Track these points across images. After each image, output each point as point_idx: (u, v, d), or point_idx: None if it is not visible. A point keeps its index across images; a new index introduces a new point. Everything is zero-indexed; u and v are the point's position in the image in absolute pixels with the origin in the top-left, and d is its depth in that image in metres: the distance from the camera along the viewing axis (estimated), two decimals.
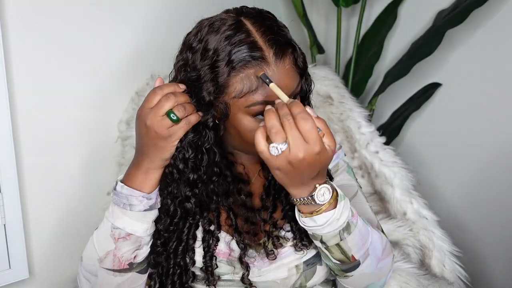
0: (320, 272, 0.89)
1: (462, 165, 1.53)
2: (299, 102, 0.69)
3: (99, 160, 1.34)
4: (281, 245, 0.86)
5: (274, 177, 0.71)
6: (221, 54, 0.73)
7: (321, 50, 1.68)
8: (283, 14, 1.73)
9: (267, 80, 0.72)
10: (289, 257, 0.87)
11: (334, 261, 0.79)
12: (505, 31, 1.37)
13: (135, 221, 0.79)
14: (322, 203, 0.72)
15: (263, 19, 0.76)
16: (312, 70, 1.41)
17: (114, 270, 0.80)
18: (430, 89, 1.54)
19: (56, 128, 1.24)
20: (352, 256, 0.78)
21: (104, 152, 1.34)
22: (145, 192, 0.78)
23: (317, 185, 0.71)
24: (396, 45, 1.63)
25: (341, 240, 0.76)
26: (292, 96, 0.76)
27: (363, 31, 1.63)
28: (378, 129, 1.45)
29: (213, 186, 0.83)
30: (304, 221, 0.75)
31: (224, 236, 0.87)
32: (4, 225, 1.18)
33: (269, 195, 0.88)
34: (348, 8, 1.67)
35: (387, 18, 1.60)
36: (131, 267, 0.80)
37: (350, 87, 1.59)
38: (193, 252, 0.85)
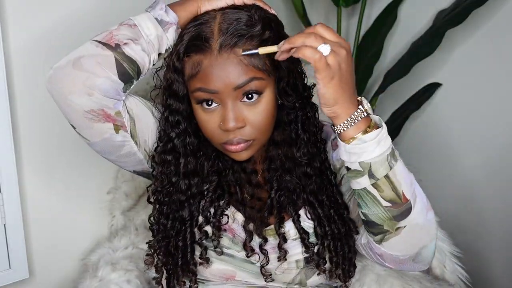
0: (318, 277, 0.90)
1: (462, 165, 1.53)
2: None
3: (99, 160, 1.33)
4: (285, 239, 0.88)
5: (328, 95, 0.70)
6: (184, 38, 0.80)
7: None
8: (283, 14, 1.73)
9: (252, 50, 0.75)
10: (292, 250, 0.89)
11: (385, 203, 0.75)
12: (505, 31, 1.37)
13: (148, 20, 0.80)
14: (371, 111, 0.74)
15: (236, 12, 0.80)
16: (312, 69, 1.40)
17: (100, 42, 0.79)
18: (430, 89, 1.54)
19: (56, 128, 1.24)
20: (403, 194, 0.74)
21: None
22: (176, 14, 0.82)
23: (358, 98, 0.74)
24: (396, 45, 1.63)
25: (390, 169, 0.73)
26: (238, 88, 0.77)
27: (363, 31, 1.63)
28: None
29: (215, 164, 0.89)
30: (353, 144, 0.72)
31: (229, 209, 0.90)
32: (4, 225, 1.18)
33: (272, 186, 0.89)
34: (348, 8, 1.67)
35: (387, 18, 1.60)
36: (116, 48, 0.78)
37: None
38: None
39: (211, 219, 0.89)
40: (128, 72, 0.79)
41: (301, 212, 0.90)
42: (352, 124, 0.72)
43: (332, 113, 0.72)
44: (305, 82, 0.88)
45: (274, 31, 0.81)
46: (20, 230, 1.20)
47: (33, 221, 1.24)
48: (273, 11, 0.85)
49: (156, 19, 0.80)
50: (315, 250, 0.89)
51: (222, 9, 0.81)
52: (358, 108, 0.72)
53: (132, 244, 1.24)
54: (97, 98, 0.78)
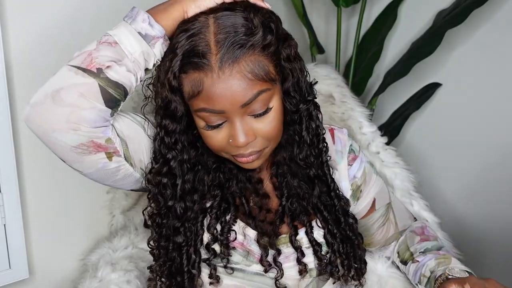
0: (330, 285, 0.89)
1: (463, 165, 1.53)
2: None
3: None
4: (299, 247, 0.85)
5: None
6: (177, 53, 0.72)
7: (321, 50, 1.68)
8: (283, 14, 1.73)
9: None
10: (305, 259, 0.85)
11: None
12: (505, 31, 1.37)
13: (130, 34, 0.72)
14: None
15: (230, 17, 0.72)
16: (313, 69, 1.40)
17: (79, 67, 0.70)
18: (430, 89, 1.54)
19: None
20: None
21: None
22: (157, 21, 0.74)
23: None
24: (396, 45, 1.63)
25: None
26: (245, 105, 0.71)
27: (363, 31, 1.63)
28: (378, 129, 1.45)
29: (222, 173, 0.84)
30: None
31: (237, 224, 0.85)
32: (4, 225, 1.18)
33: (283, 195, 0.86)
34: (348, 8, 1.67)
35: (387, 18, 1.60)
36: (98, 72, 0.70)
37: (350, 87, 1.59)
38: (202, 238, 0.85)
39: (219, 236, 0.83)
40: (114, 97, 0.71)
41: (313, 221, 0.87)
42: None
43: None
44: (308, 80, 0.83)
45: (274, 32, 0.74)
46: (20, 230, 1.20)
47: (33, 221, 1.24)
48: (267, 5, 0.78)
49: (140, 33, 0.72)
50: (327, 259, 0.86)
51: (212, 10, 0.73)
52: None
53: (132, 244, 1.24)
54: (85, 131, 0.70)
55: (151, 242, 0.85)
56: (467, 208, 1.54)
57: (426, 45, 1.43)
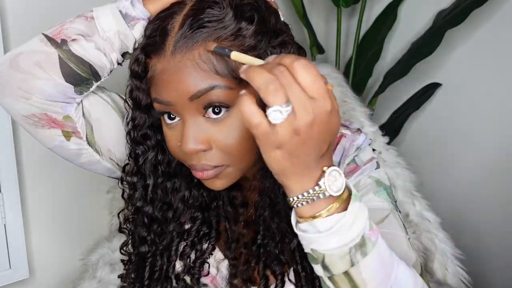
0: None
1: (463, 165, 1.53)
2: (288, 54, 0.53)
3: None
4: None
5: (269, 164, 0.51)
6: (145, 35, 0.65)
7: (321, 50, 1.68)
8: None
9: (226, 50, 0.56)
10: None
11: None
12: (505, 31, 1.37)
13: (110, 12, 0.65)
14: (336, 193, 0.52)
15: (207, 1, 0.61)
16: None
17: (46, 36, 0.65)
18: (430, 89, 1.54)
19: None
20: None
21: None
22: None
23: (325, 168, 0.52)
24: (396, 45, 1.63)
25: (352, 265, 0.52)
26: (194, 98, 0.59)
27: (363, 31, 1.63)
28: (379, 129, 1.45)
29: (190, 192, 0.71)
30: (302, 228, 0.54)
31: (213, 256, 0.73)
32: (4, 225, 1.18)
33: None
34: (348, 8, 1.67)
35: (387, 18, 1.60)
36: (61, 44, 0.64)
37: (350, 87, 1.59)
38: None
39: (191, 268, 0.72)
40: (77, 74, 0.64)
41: (286, 274, 0.70)
42: (307, 202, 0.52)
43: (280, 182, 0.53)
44: None
45: (256, 23, 0.60)
46: (20, 230, 1.20)
47: (33, 221, 1.24)
48: None
49: (121, 12, 0.65)
50: None
51: None
52: (317, 185, 0.51)
53: None
54: (36, 102, 0.64)
55: (125, 248, 0.76)
56: (468, 208, 1.54)
57: (426, 45, 1.43)
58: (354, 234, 0.52)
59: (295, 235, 0.58)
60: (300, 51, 0.66)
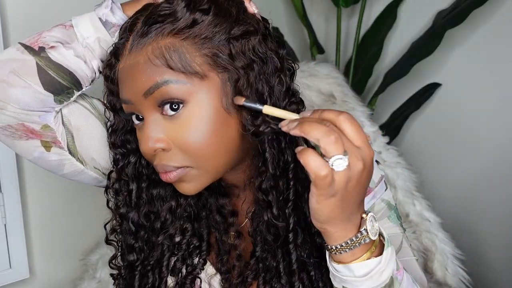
0: None
1: (463, 165, 1.53)
2: (328, 109, 0.52)
3: None
4: None
5: (320, 211, 0.52)
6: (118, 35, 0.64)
7: (321, 50, 1.68)
8: (283, 14, 1.73)
9: (257, 105, 0.55)
10: None
11: None
12: (505, 31, 1.37)
13: (88, 20, 0.64)
14: (375, 237, 0.54)
15: None
16: (314, 67, 1.40)
17: (23, 45, 0.63)
18: (430, 89, 1.54)
19: None
20: None
21: None
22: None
23: (363, 215, 0.54)
24: (396, 45, 1.63)
25: None
26: (147, 95, 0.57)
27: (363, 31, 1.63)
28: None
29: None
30: (337, 269, 0.55)
31: (205, 270, 0.71)
32: (5, 225, 1.18)
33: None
34: (348, 8, 1.67)
35: (387, 18, 1.60)
36: (39, 51, 0.62)
37: (350, 87, 1.60)
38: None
39: (183, 285, 0.70)
40: (57, 82, 0.62)
41: None
42: (347, 250, 0.54)
43: (322, 230, 0.54)
44: (287, 84, 0.61)
45: (212, 15, 0.58)
46: (20, 230, 1.20)
47: (33, 221, 1.24)
48: None
49: (100, 19, 0.64)
50: None
51: None
52: (359, 232, 0.53)
53: None
54: (12, 112, 0.62)
55: (114, 261, 0.73)
56: (468, 208, 1.54)
57: (426, 45, 1.43)
58: (385, 277, 0.54)
59: (295, 250, 0.62)
60: (280, 45, 0.63)
